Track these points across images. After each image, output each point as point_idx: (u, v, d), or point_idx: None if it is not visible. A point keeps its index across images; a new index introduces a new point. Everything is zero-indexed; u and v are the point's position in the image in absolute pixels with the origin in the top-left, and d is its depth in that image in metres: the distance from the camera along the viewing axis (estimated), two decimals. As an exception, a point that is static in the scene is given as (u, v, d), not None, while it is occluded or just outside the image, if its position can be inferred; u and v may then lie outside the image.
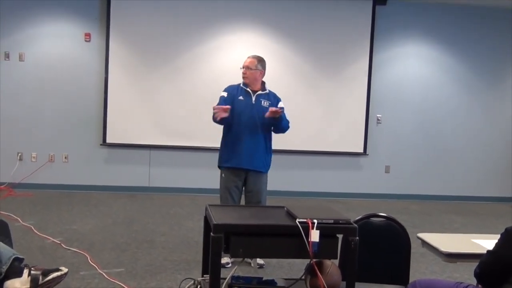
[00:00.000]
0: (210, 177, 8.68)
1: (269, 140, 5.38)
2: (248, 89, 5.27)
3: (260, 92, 5.30)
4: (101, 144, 8.88)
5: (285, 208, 2.94)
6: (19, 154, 8.78)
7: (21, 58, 8.68)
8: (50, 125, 8.82)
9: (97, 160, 8.96)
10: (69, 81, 8.80)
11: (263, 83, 5.36)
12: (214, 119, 5.17)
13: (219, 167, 5.37)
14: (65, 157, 8.89)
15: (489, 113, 9.83)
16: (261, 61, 5.33)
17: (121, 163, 9.00)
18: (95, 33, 8.82)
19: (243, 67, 5.30)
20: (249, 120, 5.18)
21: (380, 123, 9.56)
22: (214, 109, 5.09)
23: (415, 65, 9.61)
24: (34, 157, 8.82)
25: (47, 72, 8.75)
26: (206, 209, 2.91)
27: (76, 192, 8.66)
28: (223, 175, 5.32)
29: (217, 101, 5.29)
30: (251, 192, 5.31)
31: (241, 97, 5.24)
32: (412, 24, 9.50)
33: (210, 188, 8.59)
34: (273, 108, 5.09)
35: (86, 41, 8.80)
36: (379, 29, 9.37)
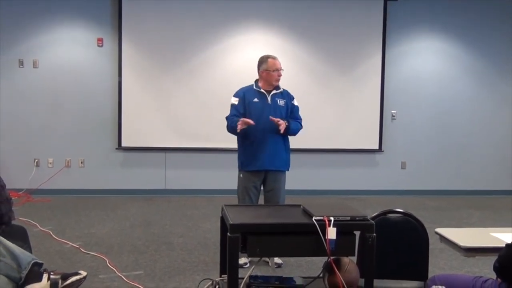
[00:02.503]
0: (226, 178, 8.71)
1: (287, 139, 5.37)
2: (262, 90, 5.24)
3: (274, 91, 5.27)
4: (116, 148, 8.92)
5: (301, 207, 2.93)
6: (36, 161, 8.85)
7: (35, 65, 8.74)
8: (66, 131, 8.87)
9: (113, 164, 9.00)
10: (83, 86, 8.85)
11: None
12: (232, 129, 5.18)
13: (239, 170, 5.35)
14: (81, 162, 8.95)
15: (504, 106, 9.74)
16: None
17: (137, 166, 9.03)
18: (107, 38, 8.86)
19: (279, 69, 5.21)
20: (267, 122, 5.13)
21: (395, 119, 9.52)
22: (238, 124, 5.02)
23: (428, 60, 9.55)
24: (50, 163, 8.88)
25: (61, 78, 8.80)
26: (222, 209, 2.91)
27: (93, 196, 8.71)
28: (241, 175, 5.30)
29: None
30: (271, 191, 5.29)
31: (256, 99, 5.20)
32: (424, 18, 9.45)
33: (226, 189, 8.61)
34: (275, 120, 5.07)
35: (98, 46, 8.85)
36: (391, 25, 9.32)
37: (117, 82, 8.81)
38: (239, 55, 8.94)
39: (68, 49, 8.81)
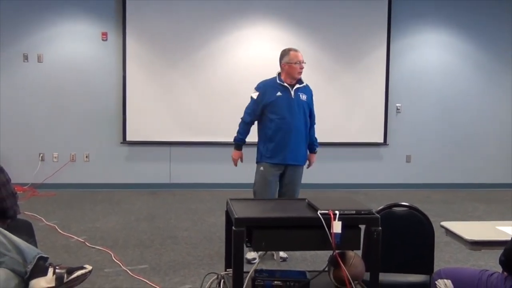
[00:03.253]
0: (231, 172, 8.67)
1: (307, 134, 5.34)
2: (285, 84, 5.15)
3: (298, 85, 5.20)
4: (121, 142, 8.93)
5: (307, 200, 2.93)
6: (41, 155, 8.86)
7: (39, 59, 8.74)
8: (71, 125, 8.88)
9: (118, 158, 9.01)
10: (88, 80, 8.85)
11: None
12: (237, 138, 5.36)
13: (258, 162, 5.28)
14: (86, 156, 8.96)
15: (510, 99, 9.70)
16: None
17: (142, 161, 9.04)
18: (111, 32, 8.85)
19: (301, 62, 5.13)
20: (291, 116, 5.11)
21: (400, 112, 9.50)
22: (234, 161, 5.42)
23: (434, 53, 9.52)
24: (55, 157, 8.90)
25: (66, 72, 8.81)
26: (227, 203, 2.90)
27: (98, 190, 8.73)
28: (262, 168, 5.21)
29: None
30: (288, 184, 5.25)
31: (279, 93, 5.12)
32: (429, 11, 9.41)
33: (231, 182, 8.64)
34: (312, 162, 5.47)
35: (103, 40, 8.85)
36: (396, 18, 9.29)
37: (122, 76, 8.81)
38: (244, 49, 8.93)
39: (73, 43, 8.81)
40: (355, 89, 9.28)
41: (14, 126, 8.76)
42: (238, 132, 5.33)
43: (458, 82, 9.59)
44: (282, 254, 5.25)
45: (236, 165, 5.48)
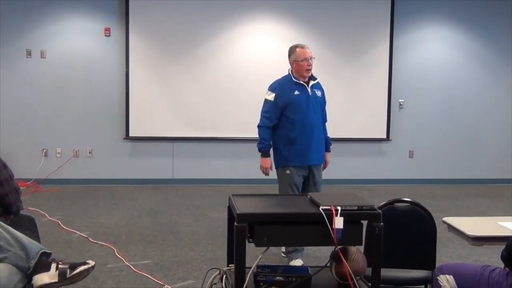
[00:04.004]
0: (233, 167, 8.73)
1: (325, 131, 5.22)
2: (300, 81, 4.93)
3: (312, 82, 5.01)
4: (124, 138, 8.94)
5: (309, 196, 2.93)
6: (44, 151, 8.88)
7: (42, 55, 8.75)
8: (74, 121, 8.89)
9: (121, 154, 9.02)
10: (91, 76, 8.86)
11: None
12: (261, 145, 4.99)
13: (282, 166, 4.99)
14: (89, 152, 8.97)
15: (513, 95, 9.71)
16: None
17: (145, 156, 9.05)
18: (114, 28, 8.85)
19: (308, 59, 4.90)
20: (311, 115, 4.92)
21: (403, 108, 9.49)
22: (266, 169, 5.04)
23: (436, 49, 9.50)
24: (58, 153, 8.91)
25: (69, 68, 8.81)
26: (229, 199, 2.90)
27: (101, 186, 8.74)
28: (288, 171, 4.93)
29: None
30: (316, 185, 5.07)
31: (297, 92, 4.89)
32: (432, 6, 9.38)
33: (233, 178, 8.64)
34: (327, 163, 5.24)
35: (106, 35, 8.85)
36: (399, 13, 9.27)
37: (125, 72, 8.82)
38: (247, 44, 8.92)
39: (76, 39, 8.82)
40: (358, 85, 9.26)
41: (17, 122, 8.78)
42: (262, 139, 4.97)
43: (461, 77, 9.57)
44: (284, 249, 5.24)
45: (268, 173, 5.09)
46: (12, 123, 8.75)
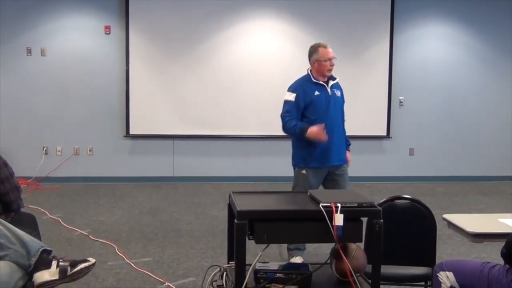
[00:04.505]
0: (234, 165, 8.72)
1: (345, 131, 5.19)
2: (320, 81, 4.84)
3: (332, 82, 4.92)
4: (124, 136, 8.94)
5: (309, 193, 2.93)
6: (45, 148, 8.88)
7: (42, 53, 8.75)
8: (74, 119, 8.89)
9: (121, 152, 9.03)
10: (91, 74, 8.86)
11: None
12: (294, 135, 4.79)
13: (299, 167, 4.87)
14: (90, 150, 8.98)
15: (513, 92, 9.71)
16: None
17: (145, 154, 9.06)
18: (114, 26, 8.85)
19: (331, 59, 4.79)
20: (331, 115, 4.84)
21: (403, 105, 9.48)
22: (320, 134, 4.59)
23: (437, 46, 9.49)
24: (59, 151, 8.92)
25: (69, 66, 8.81)
26: (229, 196, 2.91)
27: (102, 184, 8.75)
28: (304, 171, 4.82)
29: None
30: (340, 186, 4.98)
31: (317, 92, 4.80)
32: (432, 3, 9.36)
33: (234, 176, 8.64)
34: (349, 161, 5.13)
35: (106, 33, 8.85)
36: (399, 10, 9.26)
37: (125, 70, 8.82)
38: (247, 42, 8.90)
39: (76, 37, 8.81)
40: (358, 82, 9.24)
41: (17, 120, 8.78)
42: (293, 126, 4.70)
43: (462, 74, 9.57)
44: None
45: (325, 137, 4.65)
46: (13, 121, 8.76)
